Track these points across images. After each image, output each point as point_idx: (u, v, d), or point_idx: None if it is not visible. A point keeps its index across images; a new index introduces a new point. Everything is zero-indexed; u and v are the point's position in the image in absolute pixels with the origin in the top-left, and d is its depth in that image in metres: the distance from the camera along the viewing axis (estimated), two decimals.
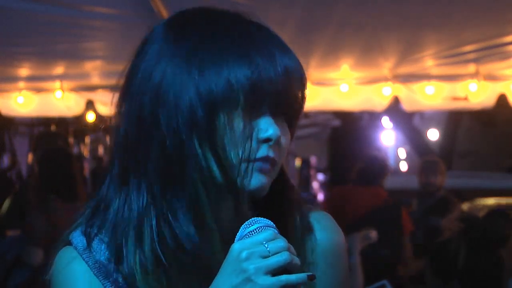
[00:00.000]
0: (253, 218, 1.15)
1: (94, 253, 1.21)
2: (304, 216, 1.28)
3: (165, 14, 4.60)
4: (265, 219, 1.14)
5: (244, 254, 1.08)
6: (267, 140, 1.18)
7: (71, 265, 1.21)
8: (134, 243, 1.19)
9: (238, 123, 1.17)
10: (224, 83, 1.16)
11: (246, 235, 1.12)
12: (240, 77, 1.16)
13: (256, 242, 1.10)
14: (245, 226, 1.14)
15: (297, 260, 1.10)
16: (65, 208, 4.83)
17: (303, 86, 1.23)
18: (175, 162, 1.18)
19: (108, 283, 1.20)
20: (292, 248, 1.11)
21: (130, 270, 1.18)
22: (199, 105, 1.16)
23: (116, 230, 1.21)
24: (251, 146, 1.17)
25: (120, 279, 1.19)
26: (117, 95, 1.28)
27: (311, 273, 1.10)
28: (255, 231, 1.12)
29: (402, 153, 14.51)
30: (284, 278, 1.08)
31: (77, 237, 1.23)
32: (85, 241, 1.22)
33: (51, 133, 6.39)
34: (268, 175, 1.19)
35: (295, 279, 1.08)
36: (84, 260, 1.21)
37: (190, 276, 1.17)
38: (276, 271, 1.08)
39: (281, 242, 1.10)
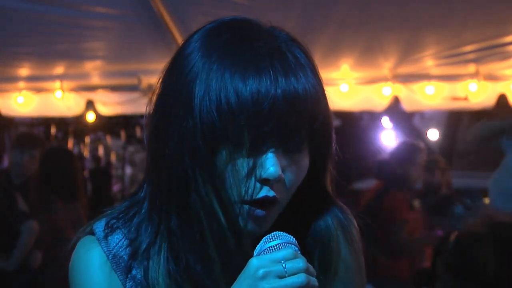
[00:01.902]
0: (275, 232, 1.13)
1: (115, 246, 1.22)
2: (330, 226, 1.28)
3: (165, 14, 4.60)
4: (287, 234, 1.13)
5: (260, 272, 1.07)
6: (265, 180, 1.14)
7: (90, 256, 1.22)
8: (152, 254, 1.20)
9: (240, 161, 1.14)
10: (223, 110, 1.12)
11: (265, 250, 1.11)
12: (238, 103, 1.12)
13: (275, 260, 1.08)
14: (266, 240, 1.12)
15: (314, 281, 1.09)
16: (65, 209, 4.83)
17: (316, 113, 1.17)
18: (180, 192, 1.17)
19: (125, 278, 1.20)
20: (311, 269, 1.09)
21: (153, 274, 1.19)
22: (201, 138, 1.14)
23: (139, 233, 1.22)
24: (253, 185, 1.14)
25: (139, 276, 1.20)
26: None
27: None
28: (275, 247, 1.11)
29: None
30: None
31: (100, 228, 1.24)
32: (107, 232, 1.23)
33: (31, 136, 6.37)
34: (264, 221, 1.17)
35: None
36: (104, 252, 1.21)
37: None
38: None
39: (300, 262, 1.08)
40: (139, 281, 1.20)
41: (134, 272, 1.20)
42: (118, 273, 1.20)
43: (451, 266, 2.88)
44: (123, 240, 1.22)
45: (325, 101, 1.21)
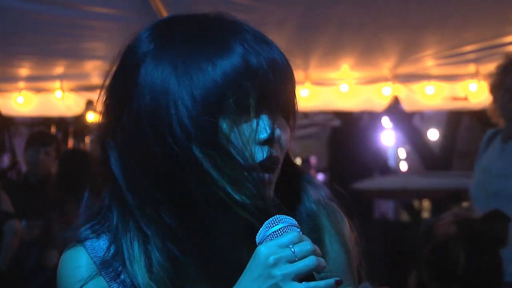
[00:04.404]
0: (275, 216, 1.12)
1: (101, 251, 1.20)
2: (313, 201, 1.28)
3: (165, 14, 4.59)
4: (287, 217, 1.12)
5: (271, 260, 1.06)
6: (267, 141, 1.15)
7: (77, 262, 1.21)
8: (131, 251, 1.19)
9: (235, 127, 1.15)
10: (213, 84, 1.14)
11: (269, 235, 1.10)
12: (227, 75, 1.14)
13: (282, 245, 1.07)
14: (268, 225, 1.11)
15: (323, 263, 1.08)
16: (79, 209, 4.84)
17: (291, 79, 1.21)
18: (174, 178, 1.15)
19: (115, 284, 1.18)
20: (318, 250, 1.09)
21: (133, 273, 1.17)
22: (196, 113, 1.14)
23: (124, 236, 1.20)
24: (256, 149, 1.15)
25: (128, 280, 1.18)
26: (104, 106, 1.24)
27: (338, 278, 1.08)
28: (278, 231, 1.10)
29: (402, 153, 14.50)
30: (313, 285, 1.06)
31: (85, 233, 1.23)
32: (92, 237, 1.22)
33: (45, 133, 6.39)
34: (270, 184, 1.17)
35: (323, 285, 1.07)
36: (91, 258, 1.20)
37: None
38: (303, 276, 1.06)
39: (308, 245, 1.08)
40: (129, 285, 1.18)
41: (122, 276, 1.18)
42: (106, 278, 1.18)
43: (430, 271, 2.90)
44: (109, 244, 1.20)
45: (290, 67, 1.22)
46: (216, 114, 1.14)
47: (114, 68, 1.24)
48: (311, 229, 1.24)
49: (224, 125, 1.14)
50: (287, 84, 1.20)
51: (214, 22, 1.21)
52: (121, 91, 1.21)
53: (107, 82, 1.24)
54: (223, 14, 1.23)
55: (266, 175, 1.17)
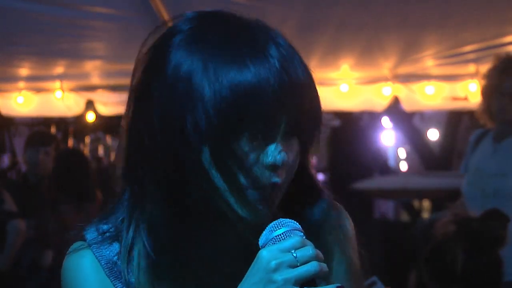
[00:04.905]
0: (279, 220, 1.12)
1: (106, 251, 1.20)
2: (321, 208, 1.27)
3: (164, 14, 4.59)
4: (291, 220, 1.12)
5: (273, 264, 1.06)
6: (272, 166, 1.14)
7: (82, 262, 1.20)
8: (134, 247, 1.19)
9: (249, 140, 1.13)
10: (234, 90, 1.11)
11: (272, 239, 1.10)
12: (251, 85, 1.12)
13: (284, 249, 1.07)
14: (271, 228, 1.11)
15: (325, 268, 1.08)
16: (75, 210, 4.84)
17: (313, 97, 1.20)
18: (175, 178, 1.15)
19: (119, 284, 1.18)
20: (320, 255, 1.09)
21: (136, 273, 1.17)
22: (213, 114, 1.12)
23: (128, 236, 1.20)
24: (261, 172, 1.14)
25: (133, 280, 1.18)
26: (130, 95, 1.23)
27: (340, 284, 1.08)
28: (282, 235, 1.10)
29: (402, 153, 14.49)
30: None
31: (91, 233, 1.22)
32: (98, 238, 1.21)
33: (45, 133, 6.39)
34: (267, 205, 1.16)
35: None
36: (96, 257, 1.20)
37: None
38: (304, 281, 1.06)
39: (310, 250, 1.08)
40: (133, 285, 1.18)
41: (128, 276, 1.18)
42: (111, 278, 1.18)
43: (430, 270, 2.90)
44: (115, 244, 1.20)
45: (315, 86, 1.23)
46: (232, 122, 1.12)
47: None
48: (316, 237, 1.23)
49: (239, 136, 1.13)
50: (307, 103, 1.18)
51: (247, 27, 1.19)
52: (142, 83, 1.20)
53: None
54: (257, 20, 1.22)
55: (270, 196, 1.16)
